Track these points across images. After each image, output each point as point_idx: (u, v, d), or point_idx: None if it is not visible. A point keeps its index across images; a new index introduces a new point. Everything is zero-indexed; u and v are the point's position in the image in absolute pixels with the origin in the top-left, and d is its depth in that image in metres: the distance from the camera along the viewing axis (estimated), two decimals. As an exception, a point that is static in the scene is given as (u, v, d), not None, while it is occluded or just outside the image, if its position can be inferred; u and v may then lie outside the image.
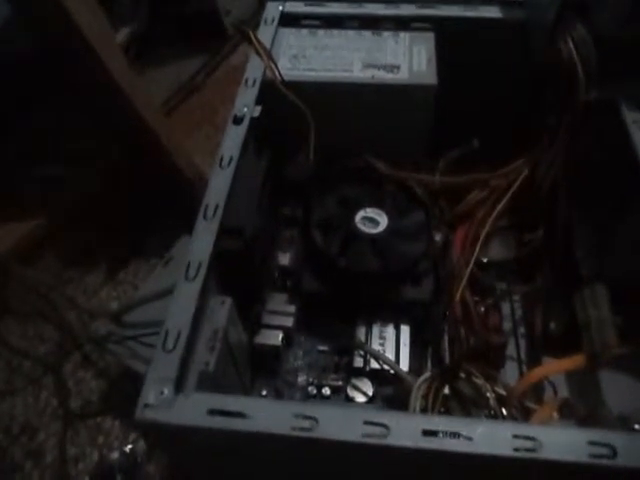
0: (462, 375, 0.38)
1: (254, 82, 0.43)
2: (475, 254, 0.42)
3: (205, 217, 0.35)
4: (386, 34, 0.48)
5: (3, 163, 0.76)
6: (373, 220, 0.44)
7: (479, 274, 0.45)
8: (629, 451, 0.25)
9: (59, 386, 0.70)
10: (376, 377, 0.42)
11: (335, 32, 0.48)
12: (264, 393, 0.42)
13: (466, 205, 0.46)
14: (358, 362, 0.42)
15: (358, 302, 0.44)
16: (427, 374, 0.38)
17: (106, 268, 0.81)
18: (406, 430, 0.26)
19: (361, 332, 0.44)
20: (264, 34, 0.47)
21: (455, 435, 0.26)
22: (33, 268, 0.74)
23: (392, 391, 0.42)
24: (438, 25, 0.48)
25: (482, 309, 0.45)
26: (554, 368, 0.40)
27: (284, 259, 0.47)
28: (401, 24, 0.48)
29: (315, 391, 0.43)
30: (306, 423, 0.26)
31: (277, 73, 0.43)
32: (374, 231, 0.44)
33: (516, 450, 0.25)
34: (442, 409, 0.37)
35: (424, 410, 0.36)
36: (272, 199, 0.45)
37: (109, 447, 0.65)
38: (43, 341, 0.75)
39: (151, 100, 0.76)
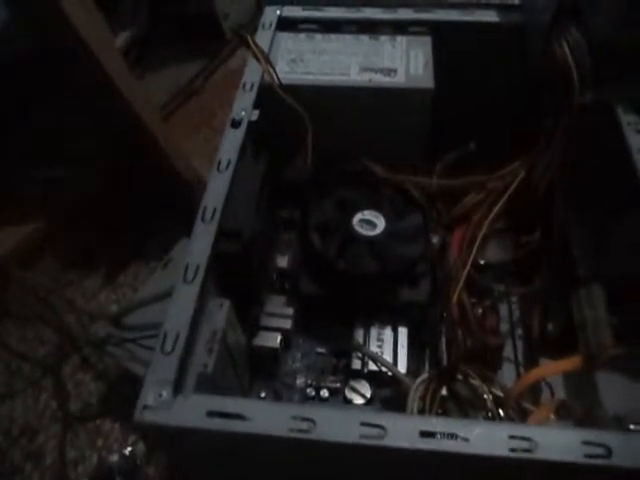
0: (459, 377, 0.38)
1: (252, 86, 0.43)
2: (472, 256, 0.43)
3: (203, 220, 0.35)
4: (383, 38, 0.48)
5: (2, 164, 0.76)
6: (371, 223, 0.45)
7: (476, 276, 0.45)
8: (624, 451, 0.25)
9: (58, 388, 0.71)
10: (374, 379, 0.42)
11: (333, 36, 0.48)
12: (263, 395, 0.43)
13: (463, 207, 0.46)
14: (356, 364, 0.43)
15: (356, 304, 0.45)
16: (424, 376, 0.38)
17: (105, 271, 0.81)
18: (403, 431, 0.26)
19: (359, 334, 0.44)
20: (262, 38, 0.47)
21: (452, 436, 0.26)
22: (32, 271, 0.74)
23: (390, 393, 0.42)
24: (435, 29, 0.48)
25: (480, 311, 0.45)
26: (551, 369, 0.40)
27: (282, 261, 0.47)
28: (398, 28, 0.48)
29: (313, 393, 0.43)
30: (304, 425, 0.26)
31: (275, 77, 0.43)
32: (372, 233, 0.44)
33: (512, 450, 0.25)
34: (440, 410, 0.37)
35: (422, 411, 0.36)
36: (270, 202, 0.45)
37: (108, 449, 0.65)
38: (42, 344, 0.75)
39: (150, 103, 0.77)
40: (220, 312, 0.36)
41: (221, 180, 0.37)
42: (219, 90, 0.99)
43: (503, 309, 0.47)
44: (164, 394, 0.28)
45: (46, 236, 0.75)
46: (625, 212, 0.43)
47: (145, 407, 0.27)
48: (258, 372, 0.43)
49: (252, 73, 0.44)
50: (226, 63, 1.01)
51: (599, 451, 0.25)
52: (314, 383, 0.43)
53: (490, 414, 0.37)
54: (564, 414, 0.39)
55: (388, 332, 0.44)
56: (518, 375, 0.43)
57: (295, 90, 0.43)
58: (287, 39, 0.48)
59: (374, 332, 0.44)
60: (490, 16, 0.47)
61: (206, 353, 0.33)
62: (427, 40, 0.48)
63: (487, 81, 0.47)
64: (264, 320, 0.44)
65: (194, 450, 0.30)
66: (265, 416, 0.27)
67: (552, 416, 0.39)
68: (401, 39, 0.48)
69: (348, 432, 0.26)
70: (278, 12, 0.49)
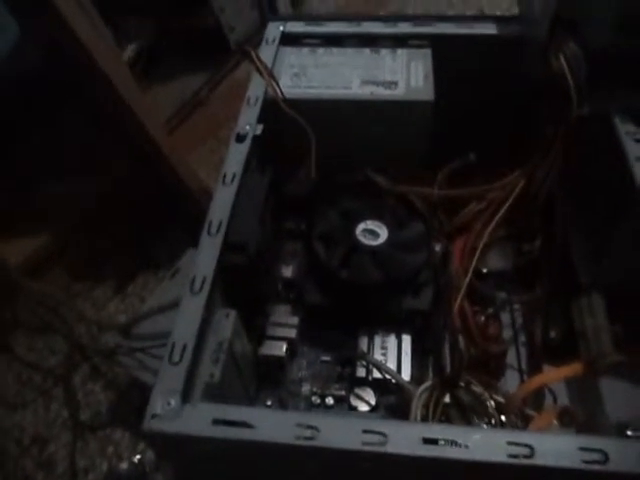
0: (462, 384, 0.39)
1: (256, 100, 0.44)
2: (473, 264, 0.43)
3: (209, 233, 0.36)
4: (384, 51, 0.49)
5: (12, 179, 0.78)
6: (374, 232, 0.45)
7: (478, 284, 0.46)
8: (620, 456, 0.26)
9: (69, 398, 0.72)
10: (378, 386, 0.43)
11: (335, 50, 0.49)
12: (269, 403, 0.43)
13: (464, 217, 0.47)
14: (361, 372, 0.43)
15: (360, 313, 0.45)
16: (428, 383, 0.39)
17: (114, 281, 0.82)
18: (404, 438, 0.26)
19: (363, 342, 0.44)
20: (265, 53, 0.48)
21: (452, 443, 0.26)
22: (42, 282, 0.76)
23: (394, 400, 0.42)
24: (435, 42, 0.49)
25: (482, 318, 0.45)
26: (552, 376, 0.41)
27: (287, 272, 0.48)
28: (399, 41, 0.49)
29: (319, 401, 0.43)
30: (308, 432, 0.27)
31: (278, 91, 0.44)
32: (375, 243, 0.45)
33: (510, 457, 0.26)
34: (443, 417, 0.38)
35: (425, 418, 0.37)
36: (275, 214, 0.46)
37: (118, 457, 0.66)
38: (53, 353, 0.76)
39: (156, 115, 0.78)
40: (226, 322, 0.36)
41: (226, 193, 0.38)
42: (225, 101, 1.00)
43: (506, 317, 0.47)
44: (172, 403, 0.29)
45: (56, 248, 0.76)
46: (624, 220, 0.43)
47: (154, 416, 0.28)
48: (264, 380, 0.44)
49: (256, 88, 0.45)
50: (231, 74, 1.02)
51: (596, 457, 0.26)
52: (319, 391, 0.44)
53: (493, 421, 0.38)
54: (566, 420, 0.39)
55: (392, 340, 0.44)
56: (521, 382, 0.43)
57: (298, 104, 0.44)
58: (290, 54, 0.49)
59: (378, 340, 0.44)
60: (489, 29, 0.48)
61: (213, 363, 0.34)
62: (427, 53, 0.49)
63: (487, 92, 0.48)
64: (270, 329, 0.44)
65: (201, 458, 0.31)
66: (270, 424, 0.28)
67: (555, 422, 0.39)
68: (401, 52, 0.49)
69: (351, 439, 0.27)
70: (281, 28, 0.50)
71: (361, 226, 0.45)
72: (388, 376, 0.42)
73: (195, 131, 0.96)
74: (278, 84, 0.45)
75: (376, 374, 0.43)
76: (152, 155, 0.76)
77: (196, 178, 0.82)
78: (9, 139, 0.81)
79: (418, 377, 0.43)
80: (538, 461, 0.26)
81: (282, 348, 0.43)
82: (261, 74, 0.44)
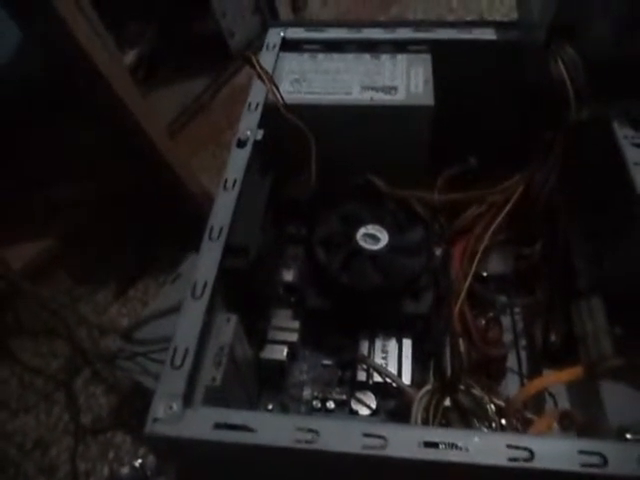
0: (462, 387, 0.39)
1: (257, 106, 0.44)
2: (473, 268, 0.43)
3: (210, 238, 0.36)
4: (384, 57, 0.49)
5: (14, 183, 0.78)
6: (374, 237, 0.46)
7: (479, 288, 0.46)
8: (619, 460, 0.26)
9: (70, 402, 0.72)
10: (379, 390, 0.43)
11: (335, 56, 0.50)
12: (270, 407, 0.43)
13: (464, 221, 0.47)
14: (361, 376, 0.43)
15: (361, 317, 0.46)
16: (428, 387, 0.39)
17: (116, 285, 0.82)
18: (404, 441, 0.27)
19: (364, 346, 0.44)
20: (266, 59, 0.48)
21: (451, 446, 0.27)
22: (44, 286, 0.76)
23: (395, 404, 0.43)
24: (435, 47, 0.49)
25: (482, 322, 0.46)
26: (552, 380, 0.41)
27: (288, 276, 0.48)
28: (399, 47, 0.49)
29: (320, 405, 0.43)
30: (308, 436, 0.27)
31: (279, 97, 0.45)
32: (375, 247, 0.45)
33: (510, 460, 0.26)
34: (443, 421, 0.38)
35: (425, 422, 0.37)
36: (276, 218, 0.46)
37: (120, 462, 0.66)
38: (55, 358, 0.76)
39: (158, 120, 0.78)
40: (228, 326, 0.37)
41: (227, 198, 0.38)
42: (226, 106, 1.00)
43: (506, 320, 0.47)
44: (174, 407, 0.29)
45: (58, 252, 0.77)
46: (624, 225, 0.43)
47: (155, 420, 0.28)
48: (265, 384, 0.44)
49: (257, 93, 0.45)
50: (233, 79, 1.03)
51: (595, 460, 0.26)
52: (320, 395, 0.44)
53: (493, 424, 0.38)
54: (567, 424, 0.40)
55: (392, 344, 0.45)
56: (522, 385, 0.44)
57: (299, 109, 0.44)
58: (290, 59, 0.50)
59: (379, 344, 0.45)
60: (488, 34, 0.48)
61: (214, 367, 0.34)
62: (427, 58, 0.49)
63: (486, 96, 0.48)
64: (271, 333, 0.44)
65: (202, 462, 0.31)
66: (270, 427, 0.28)
67: (556, 426, 0.39)
68: (401, 57, 0.49)
69: (351, 443, 0.27)
70: (281, 34, 0.50)
71: (361, 230, 0.46)
72: (389, 380, 0.42)
73: (197, 136, 0.96)
74: (279, 89, 0.45)
75: (377, 378, 0.43)
76: (154, 160, 0.77)
77: (198, 183, 0.82)
78: (10, 143, 0.81)
79: (419, 381, 0.43)
80: (537, 464, 0.26)
81: (283, 352, 0.44)
82: (262, 80, 0.45)
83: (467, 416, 0.39)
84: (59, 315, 0.76)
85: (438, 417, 0.37)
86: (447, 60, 0.48)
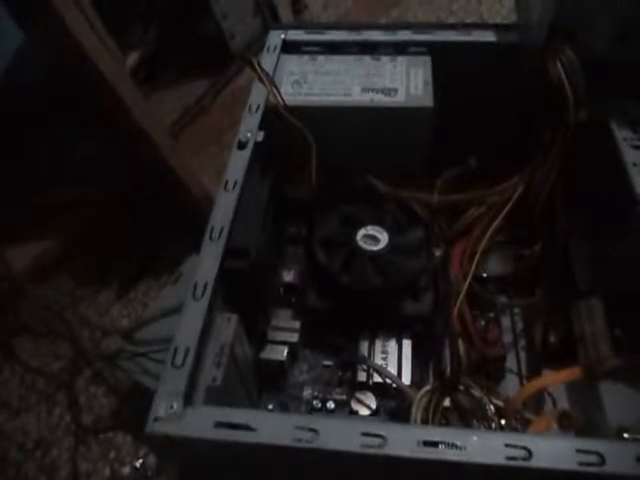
0: (461, 388, 0.39)
1: (257, 108, 0.45)
2: (473, 269, 0.43)
3: (211, 238, 0.37)
4: (384, 59, 0.49)
5: (17, 185, 0.78)
6: (374, 238, 0.46)
7: (478, 289, 0.46)
8: (617, 458, 0.26)
9: (72, 402, 0.72)
10: (379, 390, 0.43)
11: (335, 58, 0.50)
12: (270, 407, 0.44)
13: (464, 222, 0.47)
14: (361, 376, 0.44)
15: (361, 317, 0.46)
16: (427, 387, 0.39)
17: (117, 286, 0.83)
18: (402, 440, 0.27)
19: (364, 347, 0.45)
20: (267, 61, 0.49)
21: (450, 445, 0.27)
22: (47, 287, 0.76)
23: (395, 404, 0.43)
24: (434, 49, 0.49)
25: (482, 323, 0.46)
26: (551, 380, 0.41)
27: (289, 276, 0.49)
28: (398, 49, 0.50)
29: (320, 405, 0.44)
30: (307, 435, 0.27)
31: (279, 98, 0.45)
32: (375, 248, 0.45)
33: (508, 459, 0.26)
34: (443, 421, 0.38)
35: (425, 422, 0.37)
36: (276, 219, 0.47)
37: (120, 462, 0.66)
38: (56, 358, 0.77)
39: (159, 121, 0.79)
40: (228, 327, 0.37)
41: (228, 200, 0.39)
42: (227, 107, 1.01)
43: (506, 321, 0.47)
44: (175, 406, 0.29)
45: (60, 253, 0.77)
46: (623, 226, 0.44)
47: (156, 419, 0.29)
48: (266, 384, 0.44)
49: (257, 95, 0.46)
50: (234, 81, 1.03)
51: (592, 459, 0.26)
52: (320, 395, 0.44)
53: (492, 425, 0.38)
54: (566, 424, 0.40)
55: (392, 344, 0.45)
56: (521, 386, 0.44)
57: (299, 111, 0.45)
58: (291, 61, 0.50)
59: (379, 344, 0.45)
60: (487, 36, 0.49)
61: (215, 367, 0.34)
62: (427, 60, 0.49)
63: (486, 98, 0.48)
64: (271, 334, 0.45)
65: (203, 460, 0.32)
66: (270, 426, 0.28)
67: (554, 426, 0.39)
68: (401, 59, 0.49)
69: (350, 441, 0.27)
70: (282, 36, 0.51)
71: (361, 231, 0.46)
72: (389, 380, 0.43)
73: (198, 137, 0.96)
74: (279, 91, 0.45)
75: (377, 378, 0.43)
76: (155, 161, 0.77)
77: (199, 184, 0.82)
78: (13, 146, 0.82)
79: (418, 381, 0.43)
80: (535, 463, 0.26)
81: (283, 352, 0.44)
82: (262, 82, 0.45)
83: (466, 416, 0.39)
84: (61, 316, 0.77)
85: (438, 417, 0.38)
86: (447, 62, 0.49)
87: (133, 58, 0.96)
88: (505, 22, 0.51)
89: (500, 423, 0.38)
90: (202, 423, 0.29)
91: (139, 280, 0.83)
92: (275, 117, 0.44)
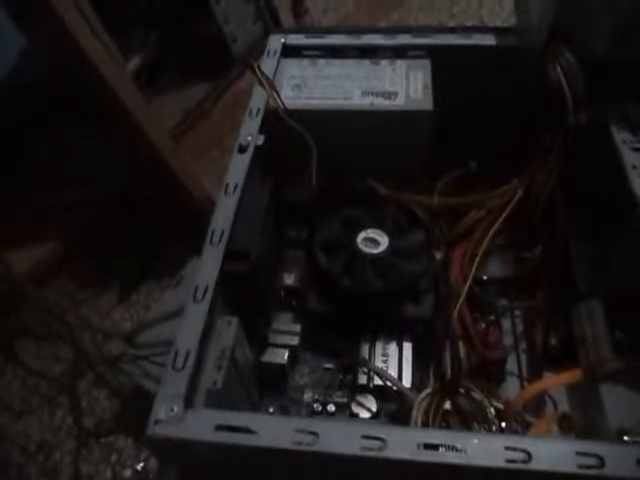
0: (462, 390, 0.39)
1: (258, 111, 0.45)
2: (473, 272, 0.43)
3: (212, 242, 0.37)
4: (384, 62, 0.49)
5: (18, 187, 0.79)
6: (374, 241, 0.46)
7: (479, 291, 0.46)
8: (616, 461, 0.26)
9: (74, 405, 0.72)
10: (380, 393, 0.43)
11: (335, 61, 0.50)
12: (271, 410, 0.44)
13: (464, 224, 0.47)
14: (362, 379, 0.44)
15: (361, 320, 0.46)
16: (428, 390, 0.39)
17: (119, 289, 0.83)
18: (402, 443, 0.27)
19: (365, 350, 0.45)
20: (267, 65, 0.49)
21: (449, 447, 0.27)
22: (48, 290, 0.76)
23: (396, 407, 0.43)
24: (434, 52, 0.49)
25: (483, 325, 0.46)
26: (551, 383, 0.41)
27: (289, 279, 0.49)
28: (398, 52, 0.50)
29: (320, 408, 0.44)
30: (308, 438, 0.28)
31: (280, 102, 0.45)
32: (375, 251, 0.45)
33: (508, 462, 0.26)
34: (443, 424, 0.38)
35: (425, 425, 0.37)
36: (277, 222, 0.47)
37: (122, 465, 0.66)
38: (58, 361, 0.77)
39: (161, 124, 0.79)
40: (229, 330, 0.37)
41: (229, 203, 0.39)
42: (228, 111, 1.01)
43: (506, 323, 0.47)
44: (175, 409, 0.29)
45: (61, 256, 0.77)
46: (623, 228, 0.44)
47: (157, 421, 0.29)
48: (267, 388, 0.44)
49: (258, 99, 0.46)
50: (235, 84, 1.03)
51: (592, 461, 0.26)
52: (321, 398, 0.44)
53: (493, 427, 0.38)
54: (566, 427, 0.40)
55: (393, 347, 0.45)
56: (522, 388, 0.44)
57: (299, 114, 0.45)
58: (291, 65, 0.50)
59: (379, 347, 0.45)
60: (487, 39, 0.49)
61: (215, 370, 0.34)
62: (426, 63, 0.49)
63: (486, 101, 0.48)
64: (272, 337, 0.45)
65: (203, 463, 0.32)
66: (271, 429, 0.28)
67: (555, 428, 0.39)
68: (401, 63, 0.49)
69: (350, 444, 0.27)
70: (282, 40, 0.51)
71: (362, 234, 0.46)
72: (389, 383, 0.43)
73: (199, 141, 0.96)
74: (279, 95, 0.45)
75: (377, 381, 0.43)
76: (156, 164, 0.77)
77: (200, 187, 0.83)
78: (14, 148, 0.82)
79: (419, 384, 0.43)
80: (535, 466, 0.26)
81: (284, 355, 0.44)
82: (263, 86, 0.45)
83: (467, 419, 0.39)
84: (62, 319, 0.77)
85: (438, 420, 0.38)
86: (446, 65, 0.49)
87: (134, 62, 0.96)
88: (505, 25, 0.51)
89: (500, 426, 0.38)
90: (203, 426, 0.29)
91: (140, 283, 0.83)
92: (275, 121, 0.45)
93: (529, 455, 0.26)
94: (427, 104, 0.46)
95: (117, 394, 0.72)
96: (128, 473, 0.64)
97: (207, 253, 0.36)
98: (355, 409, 0.43)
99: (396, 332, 0.45)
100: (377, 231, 0.46)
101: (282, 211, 0.48)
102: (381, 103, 0.46)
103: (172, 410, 0.29)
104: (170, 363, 0.31)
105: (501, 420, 0.38)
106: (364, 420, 0.42)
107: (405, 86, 0.47)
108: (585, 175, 0.44)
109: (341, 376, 0.45)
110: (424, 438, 0.27)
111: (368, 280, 0.44)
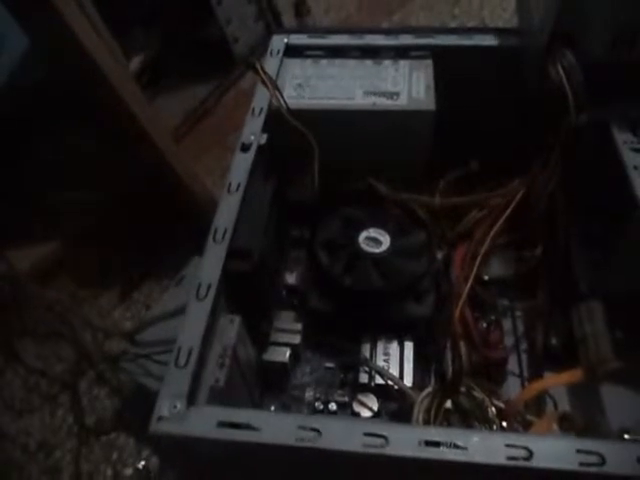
0: (463, 390, 0.39)
1: (261, 111, 0.45)
2: (474, 271, 0.44)
3: (214, 240, 0.37)
4: (386, 62, 0.50)
5: (20, 187, 0.79)
6: (376, 240, 0.46)
7: (480, 291, 0.46)
8: (617, 459, 0.26)
9: (74, 404, 0.72)
10: (381, 392, 0.43)
11: (337, 62, 0.50)
12: (272, 408, 0.44)
13: (466, 224, 0.48)
14: (363, 378, 0.44)
15: (363, 319, 0.46)
16: (429, 389, 0.39)
17: (120, 288, 0.83)
18: (404, 441, 0.27)
19: (366, 349, 0.45)
20: (270, 65, 0.49)
21: (451, 445, 0.27)
22: (49, 288, 0.76)
23: (397, 406, 0.43)
24: (436, 53, 0.50)
25: (484, 325, 0.46)
26: (551, 382, 0.41)
27: (291, 278, 0.49)
28: (400, 53, 0.50)
29: (322, 406, 0.44)
30: (310, 434, 0.28)
31: (282, 102, 0.45)
32: (377, 251, 0.45)
33: (509, 459, 0.26)
34: (444, 423, 0.38)
35: (427, 424, 0.37)
36: (279, 222, 0.47)
37: (123, 464, 0.66)
38: (59, 360, 0.77)
39: (163, 124, 0.79)
40: (231, 328, 0.37)
41: (231, 202, 0.39)
42: (230, 110, 1.01)
43: (507, 323, 0.48)
44: (178, 405, 0.29)
45: (62, 255, 0.77)
46: (624, 228, 0.44)
47: (160, 418, 0.29)
48: (268, 386, 0.45)
49: (261, 98, 0.46)
50: (237, 84, 1.04)
51: (593, 459, 0.26)
52: (322, 397, 0.44)
53: (494, 427, 0.38)
54: (567, 426, 0.40)
55: (394, 346, 0.45)
56: (523, 388, 0.44)
57: (302, 114, 0.45)
58: (294, 65, 0.50)
59: (381, 346, 0.45)
60: (488, 40, 0.49)
61: (218, 367, 0.35)
62: (428, 63, 0.49)
63: (487, 101, 0.49)
64: (274, 335, 0.45)
65: (206, 460, 0.32)
66: (273, 426, 0.28)
67: (555, 428, 0.39)
68: (403, 63, 0.49)
69: (352, 441, 0.27)
70: (285, 40, 0.51)
71: (364, 234, 0.46)
72: (390, 382, 0.43)
73: (201, 140, 0.97)
74: (282, 95, 0.46)
75: (379, 380, 0.43)
76: (158, 164, 0.77)
77: (202, 186, 0.83)
78: (16, 148, 0.82)
79: (420, 383, 0.43)
80: (536, 463, 0.26)
81: (286, 354, 0.44)
82: (265, 85, 0.45)
83: (468, 418, 0.39)
84: (63, 318, 0.77)
85: (439, 419, 0.38)
86: (448, 66, 0.49)
87: (136, 62, 0.96)
88: (507, 26, 0.51)
89: (501, 425, 0.38)
90: (205, 423, 0.29)
91: (141, 282, 0.83)
92: (278, 120, 0.45)
93: (530, 452, 0.26)
94: (429, 104, 0.46)
95: (118, 393, 0.72)
96: (129, 471, 0.64)
97: (210, 251, 0.36)
98: (356, 408, 0.43)
99: (397, 331, 0.45)
100: (379, 230, 0.46)
101: (284, 210, 0.48)
102: (383, 103, 0.46)
103: (175, 407, 0.29)
104: (173, 360, 0.31)
105: (502, 419, 0.39)
106: (366, 419, 0.42)
107: (407, 86, 0.47)
108: (586, 175, 0.44)
109: (342, 375, 0.45)
110: (425, 435, 0.27)
111: (369, 279, 0.45)
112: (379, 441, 0.27)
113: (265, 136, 0.44)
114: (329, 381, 0.45)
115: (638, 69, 0.41)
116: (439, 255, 0.48)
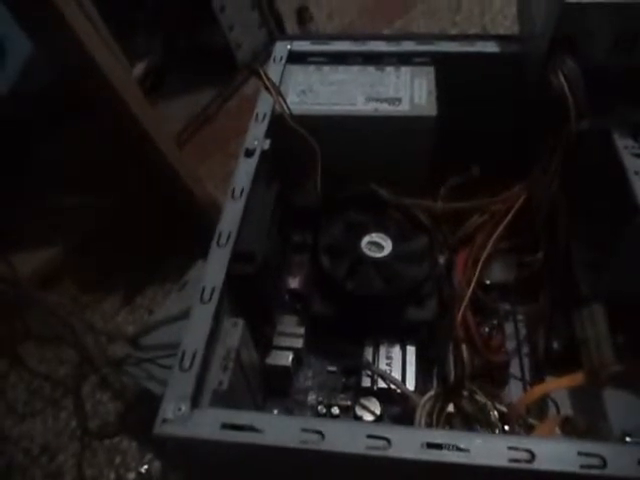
0: (465, 393, 0.40)
1: (264, 117, 0.46)
2: (476, 276, 0.44)
3: (219, 244, 0.37)
4: (388, 69, 0.50)
5: (23, 191, 0.79)
6: (378, 245, 0.46)
7: (482, 295, 0.47)
8: (618, 461, 0.26)
9: (77, 408, 0.72)
10: (384, 396, 0.43)
11: (340, 68, 0.51)
12: (275, 412, 0.44)
13: (467, 229, 0.48)
14: (366, 382, 0.44)
15: (365, 324, 0.46)
16: (431, 393, 0.39)
17: (123, 292, 0.83)
18: (406, 443, 0.27)
19: (368, 352, 0.45)
20: (273, 71, 0.49)
21: (453, 447, 0.27)
22: (53, 293, 0.77)
23: (399, 410, 0.43)
24: (438, 59, 0.50)
25: (486, 329, 0.46)
26: (553, 386, 0.42)
27: (294, 283, 0.49)
28: (402, 59, 0.50)
29: (325, 410, 0.44)
30: (313, 437, 0.28)
31: (286, 108, 0.46)
32: (379, 255, 0.46)
33: (511, 461, 0.27)
34: (447, 426, 0.38)
35: (429, 427, 0.37)
36: (282, 226, 0.47)
37: (126, 467, 0.66)
38: (62, 364, 0.77)
39: (166, 130, 0.80)
40: (235, 331, 0.37)
41: (235, 207, 0.39)
42: (233, 116, 1.02)
43: (509, 327, 0.48)
44: (183, 408, 0.29)
45: (65, 260, 0.77)
46: (625, 233, 0.44)
47: (164, 420, 0.29)
48: (271, 390, 0.45)
49: (264, 104, 0.47)
50: (239, 90, 1.04)
51: (594, 462, 0.26)
52: (325, 400, 0.44)
53: (496, 430, 0.38)
54: (569, 430, 0.40)
55: (397, 350, 0.45)
56: (525, 391, 0.44)
57: (305, 120, 0.45)
58: (297, 71, 0.51)
59: (383, 350, 0.45)
60: (490, 47, 0.49)
61: (221, 370, 0.35)
62: (430, 70, 0.50)
63: (489, 107, 0.49)
64: (276, 339, 0.45)
65: (209, 462, 0.32)
66: (276, 428, 0.28)
67: (558, 431, 0.39)
68: (405, 69, 0.50)
69: (355, 444, 0.27)
70: (288, 47, 0.52)
71: (366, 239, 0.46)
72: (393, 386, 0.43)
73: (204, 145, 0.97)
74: (285, 101, 0.46)
75: (381, 384, 0.43)
76: (162, 169, 0.78)
77: (205, 191, 0.83)
78: (20, 153, 0.83)
79: (422, 387, 0.43)
80: (538, 466, 0.26)
81: (288, 358, 0.44)
82: (269, 91, 0.46)
83: (470, 422, 0.39)
84: (67, 322, 0.77)
85: (441, 422, 0.38)
86: (450, 72, 0.49)
87: (139, 68, 0.97)
88: (508, 33, 0.51)
89: (504, 428, 0.38)
90: (209, 425, 0.29)
91: (145, 287, 0.83)
92: (281, 126, 0.45)
93: (532, 455, 0.27)
94: (431, 110, 0.46)
95: (121, 396, 0.72)
96: (132, 475, 0.64)
97: (214, 254, 0.37)
98: (359, 412, 0.43)
99: (399, 335, 0.46)
100: (381, 235, 0.47)
101: (287, 215, 0.49)
102: (385, 109, 0.47)
103: (179, 409, 0.29)
104: (177, 363, 0.31)
105: (504, 423, 0.39)
106: (370, 423, 0.42)
107: (409, 92, 0.48)
108: (587, 181, 0.45)
109: (345, 379, 0.46)
110: (428, 438, 0.28)
111: (372, 284, 0.45)
112: (382, 443, 0.27)
113: (268, 141, 0.44)
114: (332, 385, 0.45)
115: (638, 75, 0.42)
116: (441, 260, 0.48)
